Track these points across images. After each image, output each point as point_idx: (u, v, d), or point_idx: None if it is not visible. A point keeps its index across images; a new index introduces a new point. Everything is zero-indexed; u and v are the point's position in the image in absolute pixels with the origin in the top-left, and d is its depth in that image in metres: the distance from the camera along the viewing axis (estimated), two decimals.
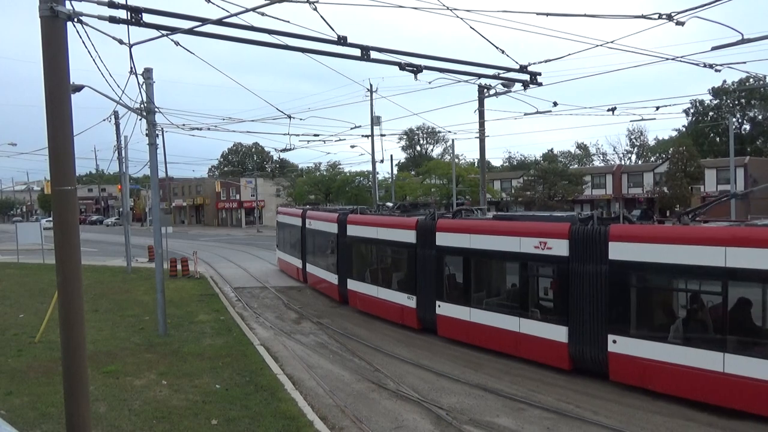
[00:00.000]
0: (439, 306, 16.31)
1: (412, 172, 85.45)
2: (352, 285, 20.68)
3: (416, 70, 9.55)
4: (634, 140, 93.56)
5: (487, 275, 15.96)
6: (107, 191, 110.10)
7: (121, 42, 9.45)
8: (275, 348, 15.40)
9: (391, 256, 18.98)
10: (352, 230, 20.80)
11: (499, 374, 13.06)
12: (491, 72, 11.45)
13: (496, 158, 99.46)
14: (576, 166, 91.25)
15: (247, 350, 14.71)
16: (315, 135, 26.48)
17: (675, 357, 11.01)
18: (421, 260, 16.97)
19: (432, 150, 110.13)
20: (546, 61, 11.78)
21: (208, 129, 21.17)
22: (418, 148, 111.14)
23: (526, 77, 11.56)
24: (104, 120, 29.66)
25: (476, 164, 74.14)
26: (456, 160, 59.63)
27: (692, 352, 10.81)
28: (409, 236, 17.43)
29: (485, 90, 20.63)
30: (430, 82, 12.83)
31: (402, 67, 9.42)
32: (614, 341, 11.98)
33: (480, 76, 11.70)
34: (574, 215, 14.48)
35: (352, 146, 70.52)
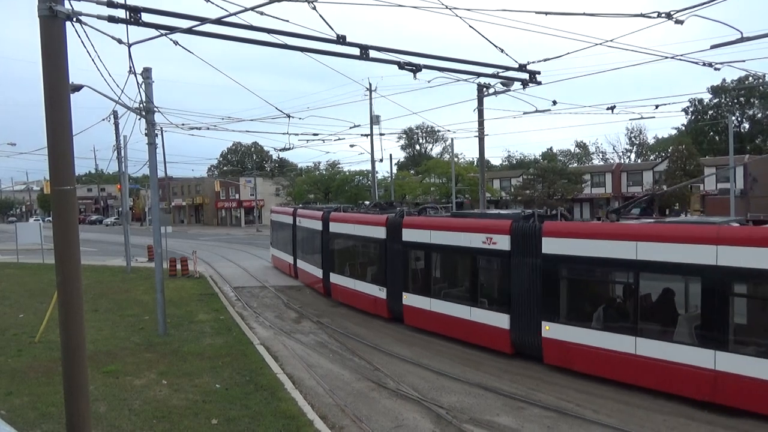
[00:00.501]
0: (405, 297, 17.61)
1: (412, 171, 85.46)
2: (334, 278, 22.09)
3: (415, 69, 9.55)
4: (633, 139, 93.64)
5: (444, 268, 17.17)
6: (106, 191, 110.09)
7: (120, 41, 9.45)
8: (275, 347, 15.40)
9: (366, 250, 20.20)
10: (334, 227, 22.21)
11: (499, 373, 13.07)
12: (490, 71, 11.45)
13: (495, 157, 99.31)
14: (575, 164, 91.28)
15: (247, 350, 14.71)
16: (314, 134, 26.49)
17: (596, 341, 12.27)
18: (390, 254, 18.33)
19: (431, 149, 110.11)
20: (545, 60, 11.79)
21: (208, 128, 21.20)
22: (418, 147, 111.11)
23: (526, 76, 11.56)
24: (103, 120, 29.67)
25: (475, 163, 74.13)
26: (455, 159, 59.68)
27: (610, 337, 12.03)
28: (380, 232, 18.78)
29: (484, 89, 20.63)
30: (429, 81, 12.85)
31: (401, 66, 9.41)
32: (547, 327, 13.24)
33: (479, 75, 11.70)
34: (518, 213, 15.67)
35: (352, 145, 70.48)
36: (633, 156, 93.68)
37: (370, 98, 36.24)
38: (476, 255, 15.19)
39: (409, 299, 17.45)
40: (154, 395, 11.19)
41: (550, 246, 13.17)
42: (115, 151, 32.46)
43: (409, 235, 17.51)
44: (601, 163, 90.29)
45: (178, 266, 29.52)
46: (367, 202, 25.79)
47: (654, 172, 61.45)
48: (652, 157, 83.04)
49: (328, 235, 22.60)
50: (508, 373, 13.07)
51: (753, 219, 12.91)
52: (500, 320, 14.38)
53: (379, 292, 18.84)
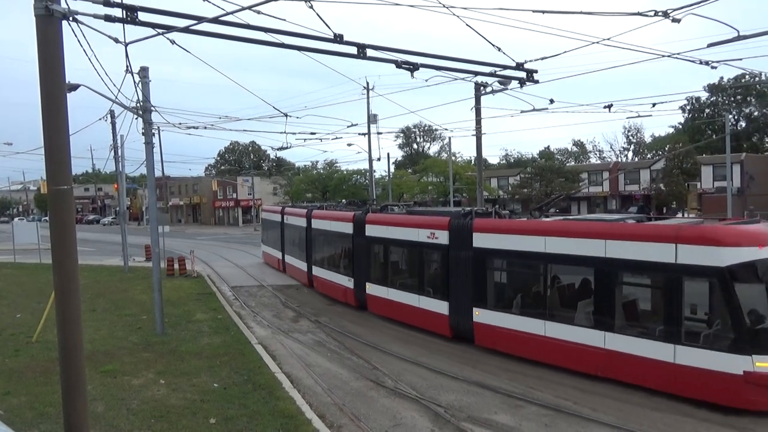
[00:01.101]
0: (368, 287, 19.43)
1: (410, 170, 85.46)
2: (315, 271, 24.16)
3: (413, 68, 9.55)
4: (630, 137, 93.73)
5: (399, 260, 18.87)
6: (104, 191, 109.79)
7: (116, 41, 9.42)
8: (273, 346, 15.40)
9: (339, 244, 21.97)
10: (315, 223, 24.25)
11: (496, 371, 13.09)
12: (488, 69, 11.45)
13: (493, 156, 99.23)
14: (573, 163, 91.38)
15: (245, 349, 14.70)
16: (312, 133, 26.41)
17: (515, 324, 13.92)
18: (356, 248, 20.23)
19: (429, 148, 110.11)
20: (542, 59, 11.79)
21: (205, 128, 21.13)
22: (415, 146, 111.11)
23: (523, 75, 11.56)
24: (100, 119, 29.51)
25: (473, 162, 74.19)
26: (453, 158, 59.70)
27: (525, 321, 13.68)
28: (349, 228, 20.70)
29: (482, 88, 20.61)
30: (426, 80, 12.81)
31: (398, 65, 9.41)
32: (477, 313, 14.96)
33: (476, 73, 11.70)
34: (459, 211, 17.45)
35: (349, 144, 70.27)
36: (630, 154, 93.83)
37: (368, 97, 36.22)
38: (423, 248, 17.02)
39: (371, 289, 19.30)
40: (152, 395, 11.18)
41: (479, 241, 14.93)
42: (112, 151, 32.42)
43: (371, 230, 19.37)
44: (599, 161, 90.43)
45: (176, 266, 29.48)
46: (344, 201, 28.18)
47: (651, 171, 61.57)
48: (649, 156, 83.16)
49: (311, 231, 24.56)
50: (506, 371, 13.09)
51: (657, 216, 14.10)
52: (441, 307, 16.12)
53: (348, 282, 20.67)
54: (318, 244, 23.98)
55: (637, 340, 11.52)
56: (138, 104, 16.47)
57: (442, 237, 16.09)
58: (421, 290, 17.04)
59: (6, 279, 28.32)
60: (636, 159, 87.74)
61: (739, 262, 10.42)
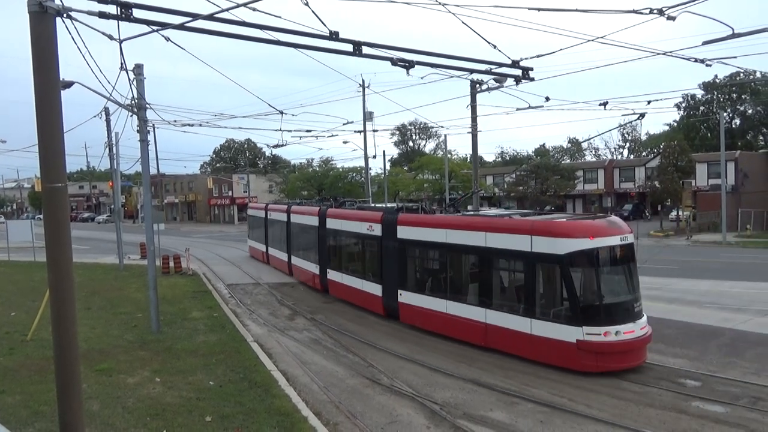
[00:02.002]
0: (329, 273, 22.14)
1: (405, 168, 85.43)
2: (294, 261, 26.98)
3: (408, 65, 9.54)
4: (625, 135, 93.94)
5: (349, 249, 21.37)
6: (98, 188, 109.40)
7: (111, 38, 9.38)
8: (269, 344, 15.39)
9: (309, 235, 24.41)
10: (294, 218, 27.10)
11: (492, 368, 13.11)
12: (483, 67, 11.45)
13: (488, 153, 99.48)
14: (568, 160, 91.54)
15: (241, 347, 14.69)
16: (307, 131, 26.52)
17: (426, 304, 16.31)
18: (321, 239, 22.92)
19: (425, 145, 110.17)
20: (538, 56, 11.80)
21: (200, 125, 21.10)
22: (411, 143, 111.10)
23: (518, 72, 11.56)
24: (95, 116, 29.43)
25: (469, 159, 74.18)
26: (449, 156, 59.68)
27: (433, 300, 16.04)
28: (315, 221, 23.53)
29: (477, 85, 20.62)
30: (422, 78, 12.79)
31: (394, 62, 9.40)
32: (401, 294, 17.34)
33: (472, 71, 11.71)
34: (392, 207, 20.67)
35: (345, 142, 69.72)
36: (625, 152, 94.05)
37: (363, 94, 36.20)
38: (364, 239, 19.55)
39: (331, 275, 22.01)
40: (147, 393, 11.16)
41: (402, 232, 17.44)
42: (107, 148, 32.26)
43: (330, 223, 22.12)
44: (594, 159, 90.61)
45: (171, 264, 29.42)
46: (317, 197, 32.49)
47: (646, 168, 61.73)
48: (644, 153, 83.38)
49: (290, 225, 27.44)
50: (502, 368, 13.12)
51: (541, 212, 17.38)
52: (377, 289, 18.65)
53: (315, 269, 23.49)
54: (295, 236, 26.90)
55: (507, 315, 13.83)
56: (133, 102, 16.41)
57: (377, 229, 18.63)
58: (364, 275, 19.66)
59: (0, 277, 28.19)
60: (631, 157, 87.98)
61: (573, 251, 12.61)
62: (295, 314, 19.70)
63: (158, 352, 14.17)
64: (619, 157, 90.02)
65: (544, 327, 12.88)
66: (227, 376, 12.18)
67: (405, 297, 17.20)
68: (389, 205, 23.00)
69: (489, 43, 10.60)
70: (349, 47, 8.71)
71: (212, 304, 20.57)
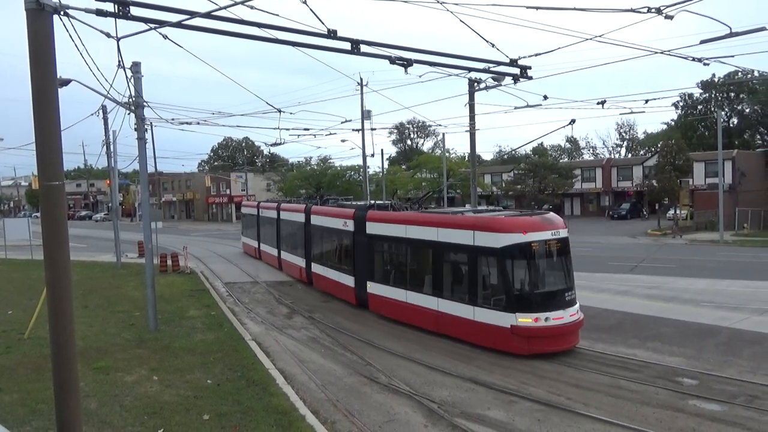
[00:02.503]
0: (312, 266, 23.97)
1: (403, 166, 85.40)
2: (283, 255, 28.63)
3: (406, 64, 9.53)
4: (623, 134, 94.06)
5: (329, 244, 22.63)
6: (96, 186, 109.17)
7: (108, 35, 9.35)
8: (267, 343, 15.39)
9: (296, 232, 26.16)
10: (283, 215, 28.78)
11: (490, 367, 13.13)
12: (481, 66, 11.44)
13: (486, 152, 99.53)
14: (566, 159, 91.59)
15: (239, 345, 14.69)
16: (305, 129, 26.60)
17: (390, 294, 17.70)
18: (306, 234, 24.66)
19: (423, 144, 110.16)
20: (536, 55, 11.78)
21: (198, 123, 21.00)
22: (409, 142, 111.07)
23: (516, 71, 11.55)
24: (92, 114, 29.36)
25: (467, 158, 74.17)
26: (447, 154, 59.67)
27: (395, 291, 17.47)
28: (301, 218, 25.21)
29: (476, 84, 20.61)
30: (420, 76, 12.77)
31: (392, 60, 9.39)
32: (370, 285, 18.74)
33: (470, 69, 11.69)
34: (364, 204, 22.22)
35: (343, 140, 69.81)
36: (623, 151, 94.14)
37: (362, 93, 36.15)
38: (340, 234, 20.94)
39: (314, 268, 23.77)
40: (145, 391, 11.16)
41: (370, 228, 18.76)
42: (105, 146, 32.21)
43: (314, 219, 23.85)
44: (592, 158, 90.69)
45: (169, 262, 29.39)
46: (303, 196, 38.65)
47: (644, 167, 61.80)
48: (642, 152, 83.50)
49: (279, 221, 29.16)
50: (500, 367, 13.14)
51: (487, 209, 19.46)
52: (350, 281, 20.10)
53: (302, 263, 25.16)
54: (284, 232, 28.49)
55: (455, 303, 15.11)
56: (130, 99, 16.37)
57: (350, 225, 20.07)
58: (340, 267, 21.10)
59: None
60: (629, 155, 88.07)
61: (508, 244, 13.82)
62: (293, 313, 19.70)
63: (156, 350, 14.16)
64: (617, 156, 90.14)
65: (485, 314, 14.22)
66: (225, 375, 12.18)
67: (373, 288, 18.67)
68: (380, 202, 24.37)
69: (487, 41, 10.59)
70: (348, 45, 8.69)
71: (210, 303, 20.56)
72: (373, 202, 23.31)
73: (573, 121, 18.90)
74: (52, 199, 6.80)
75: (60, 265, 6.85)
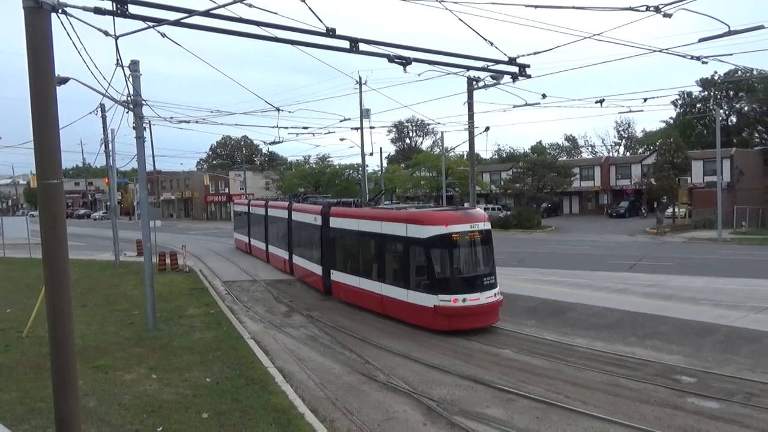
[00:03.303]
0: (293, 257, 26.72)
1: (402, 165, 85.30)
2: (271, 249, 30.85)
3: (405, 62, 9.53)
4: (622, 132, 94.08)
5: (304, 236, 25.00)
6: (94, 185, 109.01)
7: (106, 33, 9.34)
8: (265, 341, 15.39)
9: (280, 226, 28.60)
10: (270, 212, 31.24)
11: (489, 365, 13.15)
12: (480, 64, 11.45)
13: (485, 150, 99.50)
14: (565, 158, 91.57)
15: (238, 344, 14.69)
16: (304, 128, 26.34)
17: (347, 281, 19.96)
18: (288, 229, 27.28)
19: (421, 142, 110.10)
20: (535, 54, 11.79)
21: (197, 122, 20.94)
22: (408, 140, 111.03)
23: (515, 69, 11.56)
24: (91, 113, 29.27)
25: (465, 156, 74.09)
26: (445, 153, 59.60)
27: (350, 278, 19.73)
28: (285, 214, 27.84)
29: (474, 82, 20.62)
30: (419, 75, 12.78)
31: (391, 59, 9.39)
32: (332, 273, 21.13)
33: (469, 68, 11.68)
34: (331, 201, 25.68)
35: (342, 139, 69.86)
36: (622, 149, 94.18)
37: (360, 91, 36.14)
38: (312, 228, 23.29)
39: (295, 259, 26.42)
40: (144, 390, 11.16)
41: (333, 222, 21.29)
42: (103, 145, 32.17)
43: (294, 215, 26.51)
44: (590, 156, 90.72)
45: (168, 261, 29.36)
46: (290, 195, 41.23)
47: (642, 165, 61.84)
48: (640, 150, 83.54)
49: (267, 218, 31.51)
50: (498, 365, 13.16)
51: (422, 205, 22.94)
52: (318, 270, 22.44)
53: (286, 255, 27.69)
54: (271, 227, 30.88)
55: (393, 287, 17.29)
56: (129, 98, 16.34)
57: (318, 219, 22.51)
58: (311, 258, 23.49)
59: None
60: (627, 154, 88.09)
61: (432, 235, 15.99)
62: (291, 311, 19.70)
63: (155, 349, 14.16)
64: (616, 154, 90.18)
65: (415, 296, 16.42)
66: (224, 373, 12.18)
67: (335, 276, 21.01)
68: (346, 200, 27.05)
69: (486, 40, 10.59)
70: (346, 44, 8.69)
71: (209, 301, 20.55)
72: (339, 200, 25.80)
73: (487, 128, 23.60)
74: (50, 197, 6.78)
75: (59, 263, 6.84)
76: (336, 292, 20.84)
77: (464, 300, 15.65)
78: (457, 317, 15.68)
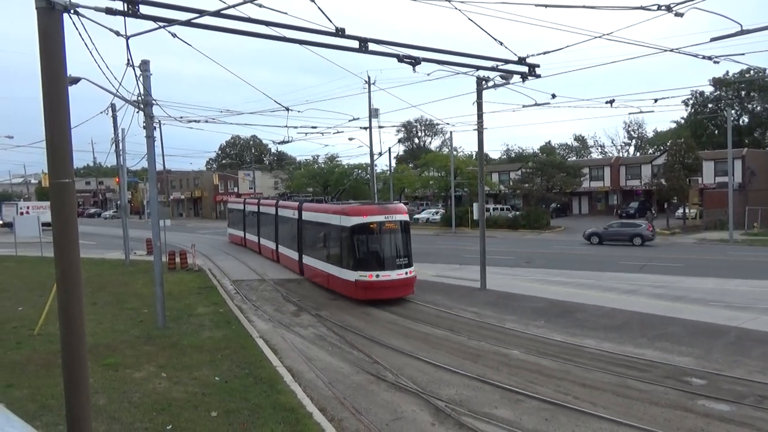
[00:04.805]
0: (279, 248, 30.55)
1: (411, 165, 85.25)
2: (262, 242, 34.94)
3: (414, 62, 9.52)
4: (632, 132, 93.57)
5: (286, 229, 28.95)
6: (105, 184, 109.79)
7: (118, 34, 9.38)
8: (274, 340, 15.43)
9: (270, 221, 32.39)
10: (262, 209, 35.01)
11: (497, 365, 13.12)
12: (490, 64, 11.42)
13: (494, 150, 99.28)
14: (574, 158, 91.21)
15: (246, 343, 14.74)
16: (313, 127, 26.34)
17: (311, 263, 24.50)
18: (276, 223, 31.04)
19: (430, 142, 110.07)
20: (545, 53, 11.75)
21: (206, 121, 21.00)
22: (417, 140, 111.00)
23: (525, 69, 11.53)
24: (101, 112, 29.49)
25: (474, 156, 73.93)
26: (454, 153, 59.52)
27: (313, 260, 24.22)
28: (273, 210, 31.81)
29: (484, 82, 20.54)
30: (428, 75, 12.77)
31: (400, 59, 9.38)
32: (303, 257, 25.81)
33: (478, 68, 11.66)
34: (306, 198, 32.12)
35: (351, 138, 70.03)
36: (632, 149, 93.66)
37: (369, 91, 36.18)
38: (292, 221, 27.59)
39: (281, 249, 30.24)
40: (153, 388, 11.22)
41: (304, 215, 25.81)
42: (114, 144, 32.37)
43: (280, 211, 30.47)
44: (600, 156, 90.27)
45: (177, 259, 29.51)
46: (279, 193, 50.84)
47: (652, 166, 61.44)
48: (650, 151, 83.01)
49: (260, 215, 35.26)
50: (507, 365, 13.12)
51: (339, 201, 28.48)
52: (296, 256, 26.87)
53: (273, 246, 31.49)
54: (262, 222, 34.60)
55: (333, 266, 21.78)
56: (139, 98, 16.44)
57: (295, 213, 26.84)
58: (291, 246, 27.70)
59: (7, 272, 28.36)
60: (638, 154, 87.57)
61: (354, 224, 20.26)
62: (300, 310, 19.75)
63: (164, 347, 14.24)
64: (626, 154, 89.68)
65: (344, 272, 20.77)
66: (233, 372, 12.23)
67: (305, 260, 25.64)
68: (318, 197, 33.07)
69: (495, 39, 10.57)
70: (356, 44, 8.70)
71: (218, 300, 20.64)
72: (312, 197, 32.09)
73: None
74: (62, 196, 6.83)
75: (70, 261, 6.89)
76: (306, 273, 25.57)
77: (377, 276, 19.86)
78: (372, 289, 19.88)
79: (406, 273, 20.29)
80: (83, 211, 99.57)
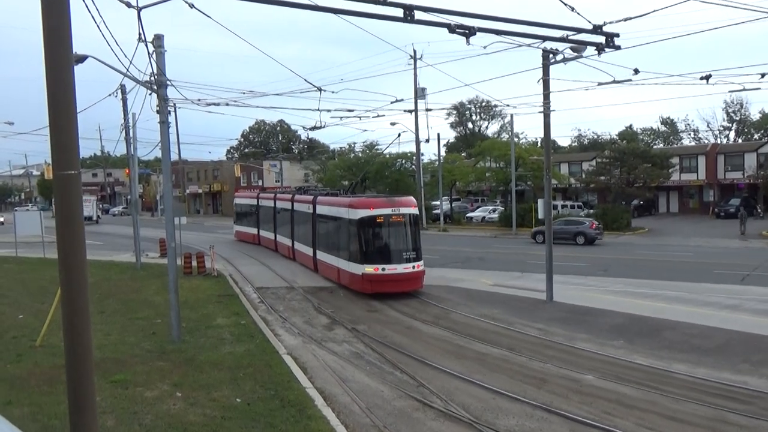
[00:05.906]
0: (295, 244, 33.60)
1: (463, 154, 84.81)
2: (279, 239, 37.92)
3: (468, 32, 9.46)
4: (732, 114, 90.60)
5: (302, 223, 32.00)
6: (113, 176, 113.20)
7: (128, 5, 9.67)
8: (304, 357, 15.60)
9: (285, 216, 35.66)
10: (278, 204, 38.29)
11: (566, 392, 12.93)
12: (558, 34, 11.27)
13: (563, 137, 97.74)
14: (661, 145, 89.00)
15: (272, 360, 14.94)
16: (349, 110, 26.57)
17: (325, 258, 27.46)
18: (292, 217, 34.20)
19: (487, 128, 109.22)
20: (626, 20, 11.51)
21: (227, 104, 21.46)
22: (470, 125, 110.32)
23: (601, 39, 11.32)
24: (110, 95, 30.41)
25: (540, 144, 73.01)
26: (515, 140, 58.91)
27: (327, 256, 27.07)
28: (288, 205, 34.87)
29: (551, 55, 20.27)
30: (485, 47, 12.65)
31: (452, 29, 9.34)
32: (316, 253, 28.73)
33: (545, 38, 11.51)
34: (322, 191, 35.09)
35: (393, 123, 69.78)
36: (732, 135, 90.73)
37: (415, 68, 36.20)
38: (306, 215, 30.62)
39: (296, 245, 33.12)
40: (167, 409, 11.49)
41: (318, 209, 28.82)
42: (123, 131, 33.29)
43: (296, 206, 33.55)
44: (693, 143, 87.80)
45: (194, 263, 30.07)
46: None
47: (758, 155, 59.40)
48: (756, 137, 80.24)
49: (276, 210, 38.63)
50: (577, 392, 12.92)
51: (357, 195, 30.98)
52: (310, 252, 29.72)
53: (289, 242, 34.72)
54: (277, 217, 38.06)
55: (342, 260, 24.82)
56: (152, 78, 16.81)
57: (310, 207, 29.86)
58: (306, 241, 30.54)
59: (7, 275, 29.48)
60: (740, 140, 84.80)
61: (361, 217, 23.43)
62: (333, 323, 19.91)
63: (179, 363, 14.56)
64: (725, 140, 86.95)
65: (352, 266, 23.83)
66: (256, 393, 12.42)
67: (318, 255, 28.45)
68: (333, 191, 37.23)
69: (566, 4, 10.40)
70: (399, 12, 8.70)
71: (239, 310, 20.99)
72: (327, 190, 36.95)
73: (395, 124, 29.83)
74: (67, 189, 6.92)
75: (75, 264, 6.98)
76: (320, 268, 28.43)
77: (384, 269, 22.86)
78: (379, 282, 22.79)
79: (413, 267, 23.10)
80: (107, 210, 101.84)
